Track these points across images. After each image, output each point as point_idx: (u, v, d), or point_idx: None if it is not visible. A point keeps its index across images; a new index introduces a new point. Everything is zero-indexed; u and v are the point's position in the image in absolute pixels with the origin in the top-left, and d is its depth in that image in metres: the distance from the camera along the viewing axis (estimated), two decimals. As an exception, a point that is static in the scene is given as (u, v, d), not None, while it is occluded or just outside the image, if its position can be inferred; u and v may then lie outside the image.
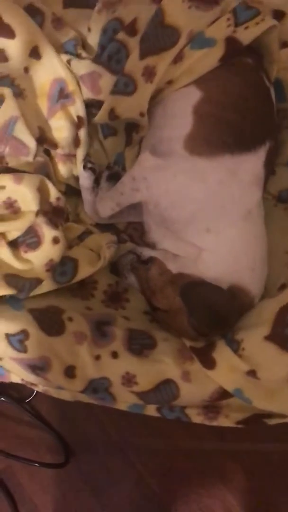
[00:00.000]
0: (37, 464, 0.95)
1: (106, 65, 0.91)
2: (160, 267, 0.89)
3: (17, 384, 0.90)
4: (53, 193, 0.91)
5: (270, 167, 0.92)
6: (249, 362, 0.81)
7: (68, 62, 0.92)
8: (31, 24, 0.91)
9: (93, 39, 0.95)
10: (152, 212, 0.91)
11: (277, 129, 0.96)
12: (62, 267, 0.89)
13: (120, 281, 0.97)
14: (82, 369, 0.84)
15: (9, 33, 0.91)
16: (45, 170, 0.93)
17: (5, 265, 0.86)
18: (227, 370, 0.81)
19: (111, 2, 0.92)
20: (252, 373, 0.81)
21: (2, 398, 0.98)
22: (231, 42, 0.88)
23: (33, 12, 0.93)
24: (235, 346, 0.82)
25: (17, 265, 0.86)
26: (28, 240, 0.87)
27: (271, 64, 0.93)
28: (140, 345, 0.86)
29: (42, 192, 0.89)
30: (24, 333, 0.82)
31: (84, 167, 0.98)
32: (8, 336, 0.82)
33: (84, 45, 0.96)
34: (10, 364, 0.84)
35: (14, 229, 0.87)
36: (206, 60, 0.89)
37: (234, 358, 0.81)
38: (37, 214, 0.87)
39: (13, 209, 0.88)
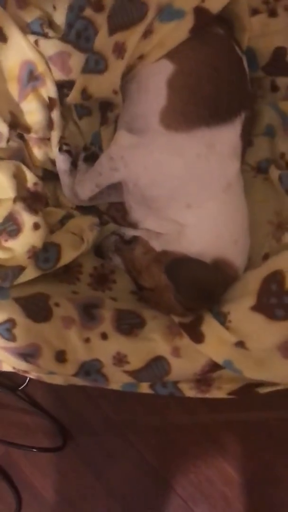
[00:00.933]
0: (35, 450, 0.96)
1: (75, 44, 0.89)
2: (144, 246, 0.89)
3: (9, 372, 0.90)
4: (30, 178, 0.90)
5: (246, 138, 0.91)
6: (237, 334, 0.81)
7: (36, 42, 0.90)
8: (-6, 6, 0.89)
9: (60, 18, 0.92)
10: (132, 191, 0.91)
11: (252, 99, 0.96)
12: (45, 253, 0.88)
13: (105, 263, 0.97)
14: (73, 353, 0.84)
15: (-28, 16, 0.89)
16: (20, 155, 0.91)
17: (-14, 254, 0.85)
18: (215, 342, 0.81)
19: (74, -22, 0.89)
20: (240, 344, 0.81)
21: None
22: (200, 12, 0.86)
23: (-5, -7, 0.90)
24: (222, 319, 0.83)
25: (-2, 254, 0.85)
26: (8, 228, 0.86)
27: (242, 32, 0.92)
28: (129, 324, 0.86)
29: (18, 178, 0.88)
30: (11, 322, 0.82)
31: (60, 149, 0.96)
32: (-5, 325, 0.81)
33: (51, 24, 0.94)
34: (0, 353, 0.84)
35: (-7, 217, 0.86)
36: (176, 32, 0.87)
37: (222, 330, 0.81)
38: (15, 201, 0.86)
39: (-10, 198, 0.87)
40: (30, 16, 0.92)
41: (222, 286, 0.86)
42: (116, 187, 0.96)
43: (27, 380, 0.99)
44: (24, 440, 0.98)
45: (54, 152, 0.96)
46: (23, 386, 0.99)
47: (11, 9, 0.91)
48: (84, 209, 1.01)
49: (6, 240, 0.86)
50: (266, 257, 0.91)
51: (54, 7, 0.93)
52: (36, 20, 0.92)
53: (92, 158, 0.97)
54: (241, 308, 0.82)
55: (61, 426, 0.99)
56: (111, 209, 1.02)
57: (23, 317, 0.82)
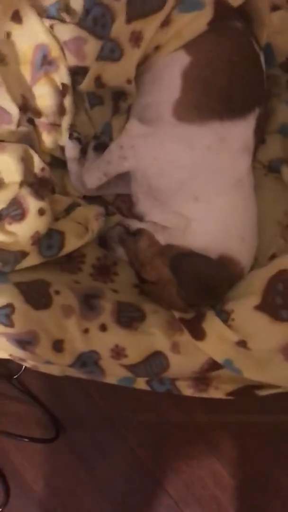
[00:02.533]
0: (26, 439, 0.95)
1: (91, 30, 0.88)
2: (149, 239, 0.88)
3: (5, 360, 0.88)
4: (38, 163, 0.89)
5: (259, 135, 0.90)
6: (239, 332, 0.80)
7: (51, 27, 0.89)
8: (11, -14, 0.87)
9: (77, 3, 0.91)
10: (140, 182, 0.89)
11: (267, 95, 0.94)
12: (48, 240, 0.87)
13: (108, 254, 0.95)
14: (71, 343, 0.83)
15: (-11, -4, 0.88)
16: (29, 139, 0.90)
17: (-11, 237, 0.84)
18: (217, 340, 0.80)
19: None
20: (242, 343, 0.80)
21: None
22: (220, 5, 0.86)
23: (12, -27, 0.89)
24: (225, 317, 0.82)
25: (1, 237, 0.84)
26: (12, 212, 0.85)
27: (261, 28, 0.91)
28: (129, 317, 0.85)
29: (26, 162, 0.87)
30: (10, 307, 0.80)
31: (70, 136, 0.95)
32: (-7, 310, 0.80)
33: (68, 9, 0.92)
34: (-2, 339, 0.83)
35: (-3, 200, 0.85)
36: (194, 23, 0.86)
37: (224, 328, 0.80)
38: (21, 185, 0.85)
39: (-4, 181, 0.86)
40: (47, 0, 0.91)
41: (226, 283, 0.84)
42: (124, 178, 0.95)
43: (22, 369, 0.97)
44: (16, 429, 0.96)
45: (64, 139, 0.95)
46: (18, 375, 0.98)
47: (28, -8, 0.90)
48: (90, 199, 0.99)
49: (10, 224, 0.85)
50: (273, 257, 0.90)
51: (72, -8, 0.92)
52: (53, 5, 0.91)
53: (101, 147, 0.96)
54: (245, 306, 0.81)
55: (54, 418, 0.97)
56: (117, 200, 1.01)
57: (23, 302, 0.81)
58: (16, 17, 0.88)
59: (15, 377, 0.98)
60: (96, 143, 0.97)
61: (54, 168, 0.96)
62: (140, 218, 0.93)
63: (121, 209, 1.00)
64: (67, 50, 0.89)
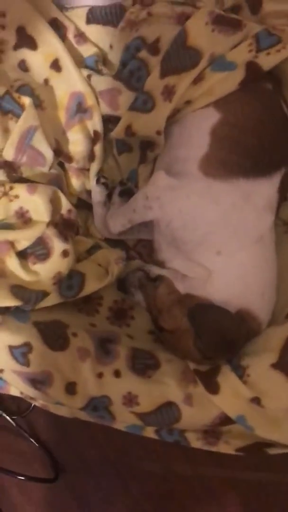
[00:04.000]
0: (23, 478, 0.93)
1: (126, 82, 0.91)
2: (169, 286, 0.88)
3: (15, 396, 0.89)
4: (65, 205, 0.91)
5: (283, 193, 0.92)
6: (254, 389, 0.80)
7: (88, 77, 0.92)
8: (53, 37, 0.92)
9: (114, 56, 0.95)
10: (163, 231, 0.91)
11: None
12: (68, 281, 0.89)
13: (126, 298, 0.96)
14: (84, 386, 0.83)
15: (32, 45, 0.92)
16: (58, 182, 0.93)
17: (13, 275, 0.85)
18: (231, 395, 0.80)
19: (135, 21, 0.92)
20: (256, 400, 0.79)
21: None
22: (251, 67, 0.88)
23: (56, 26, 0.94)
24: (240, 372, 0.81)
25: (24, 276, 0.85)
26: (37, 252, 0.87)
27: (290, 90, 0.94)
28: (143, 365, 0.85)
29: (54, 203, 0.89)
30: (28, 346, 0.81)
31: (97, 181, 0.98)
32: (11, 348, 0.81)
33: (105, 62, 0.97)
34: (11, 376, 0.83)
35: (24, 238, 0.87)
36: (226, 82, 0.89)
37: (239, 384, 0.80)
38: (48, 225, 0.87)
39: (24, 219, 0.88)
40: (87, 52, 0.95)
41: (243, 338, 0.84)
42: (147, 224, 0.97)
43: (31, 407, 0.96)
44: (17, 466, 0.95)
45: (91, 183, 0.98)
46: (26, 413, 0.97)
47: (69, 43, 0.95)
48: (112, 242, 1.01)
49: (34, 263, 0.87)
50: (290, 315, 0.90)
51: (111, 46, 0.96)
52: (91, 56, 0.95)
53: (127, 193, 0.98)
54: (261, 364, 0.80)
55: (54, 459, 0.96)
56: (138, 245, 1.03)
57: (40, 342, 0.82)
58: (56, 65, 0.92)
59: (23, 415, 0.97)
60: (122, 189, 1.00)
61: (79, 209, 0.98)
62: (161, 265, 0.94)
63: (142, 254, 1.02)
64: (101, 99, 0.92)
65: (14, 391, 0.88)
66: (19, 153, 0.88)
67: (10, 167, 0.89)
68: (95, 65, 0.94)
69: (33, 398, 0.88)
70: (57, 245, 0.86)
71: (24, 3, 0.90)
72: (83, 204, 1.00)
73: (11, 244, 0.86)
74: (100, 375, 0.83)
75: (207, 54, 0.88)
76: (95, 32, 0.97)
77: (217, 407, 0.80)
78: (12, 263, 0.85)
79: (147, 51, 0.90)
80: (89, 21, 0.97)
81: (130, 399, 0.82)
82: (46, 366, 0.82)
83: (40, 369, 0.81)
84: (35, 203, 0.87)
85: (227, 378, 0.81)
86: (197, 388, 0.82)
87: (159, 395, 0.82)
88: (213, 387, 0.80)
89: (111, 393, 0.82)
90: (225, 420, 0.81)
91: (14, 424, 0.96)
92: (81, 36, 0.96)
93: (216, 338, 0.81)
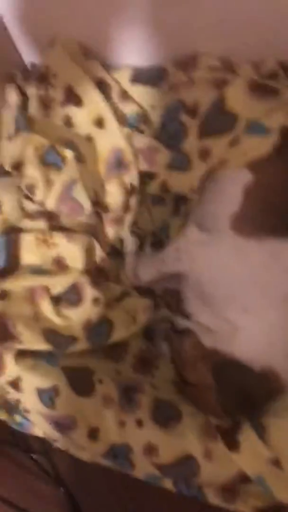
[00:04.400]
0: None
1: (165, 142, 0.96)
2: (194, 340, 0.90)
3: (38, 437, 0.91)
4: (99, 253, 0.95)
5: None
6: (274, 450, 0.80)
7: (129, 135, 0.98)
8: (98, 96, 0.98)
9: (155, 116, 1.00)
10: (191, 284, 0.93)
11: None
12: (98, 328, 0.91)
13: (152, 348, 0.98)
14: (106, 433, 0.85)
15: (78, 103, 0.99)
16: (94, 231, 0.97)
17: (46, 319, 0.89)
18: (250, 455, 0.80)
19: (176, 85, 0.98)
20: (275, 461, 0.79)
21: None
22: (286, 132, 0.92)
23: (102, 85, 1.00)
24: (261, 431, 0.82)
25: (56, 320, 0.89)
26: (69, 297, 0.90)
27: None
28: (165, 416, 0.86)
29: (89, 252, 0.93)
30: (55, 390, 0.84)
31: (131, 231, 1.01)
32: (39, 390, 0.84)
33: (146, 120, 1.02)
34: (37, 418, 0.86)
35: (59, 284, 0.91)
36: (260, 146, 0.92)
37: (259, 443, 0.80)
38: (82, 273, 0.91)
39: (60, 265, 0.92)
40: (129, 110, 1.00)
41: (265, 397, 0.85)
42: (176, 275, 1.00)
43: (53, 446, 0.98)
44: (36, 507, 0.96)
45: (125, 233, 1.01)
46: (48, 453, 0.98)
47: (113, 101, 1.01)
48: (141, 290, 1.04)
49: (66, 308, 0.90)
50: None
51: (152, 106, 1.01)
52: (133, 114, 1.00)
53: (158, 244, 1.02)
54: (282, 424, 0.81)
55: (75, 502, 0.96)
56: (167, 294, 1.05)
57: (67, 387, 0.85)
58: (99, 123, 0.98)
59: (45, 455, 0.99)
60: (154, 240, 1.03)
61: (111, 256, 1.02)
62: (187, 316, 0.96)
63: (169, 303, 1.04)
64: (140, 156, 0.97)
65: (37, 432, 0.91)
66: (60, 204, 0.93)
67: (51, 217, 0.94)
68: (136, 123, 1.00)
69: (55, 440, 0.90)
70: (89, 293, 0.90)
71: (74, 66, 0.97)
72: (115, 251, 1.04)
73: (46, 289, 0.90)
74: (122, 423, 0.85)
75: (243, 118, 0.92)
76: (138, 92, 1.02)
77: (236, 465, 0.81)
78: (46, 307, 0.89)
79: (186, 114, 0.95)
80: (133, 81, 1.03)
81: (150, 450, 0.83)
82: (71, 410, 0.84)
83: (65, 413, 0.84)
84: (72, 251, 0.91)
85: (247, 436, 0.81)
86: (217, 444, 0.83)
87: (179, 447, 0.83)
88: (233, 445, 0.81)
89: (132, 442, 0.84)
90: (245, 478, 0.81)
91: (36, 464, 0.98)
92: (125, 95, 1.02)
93: (239, 396, 0.82)
